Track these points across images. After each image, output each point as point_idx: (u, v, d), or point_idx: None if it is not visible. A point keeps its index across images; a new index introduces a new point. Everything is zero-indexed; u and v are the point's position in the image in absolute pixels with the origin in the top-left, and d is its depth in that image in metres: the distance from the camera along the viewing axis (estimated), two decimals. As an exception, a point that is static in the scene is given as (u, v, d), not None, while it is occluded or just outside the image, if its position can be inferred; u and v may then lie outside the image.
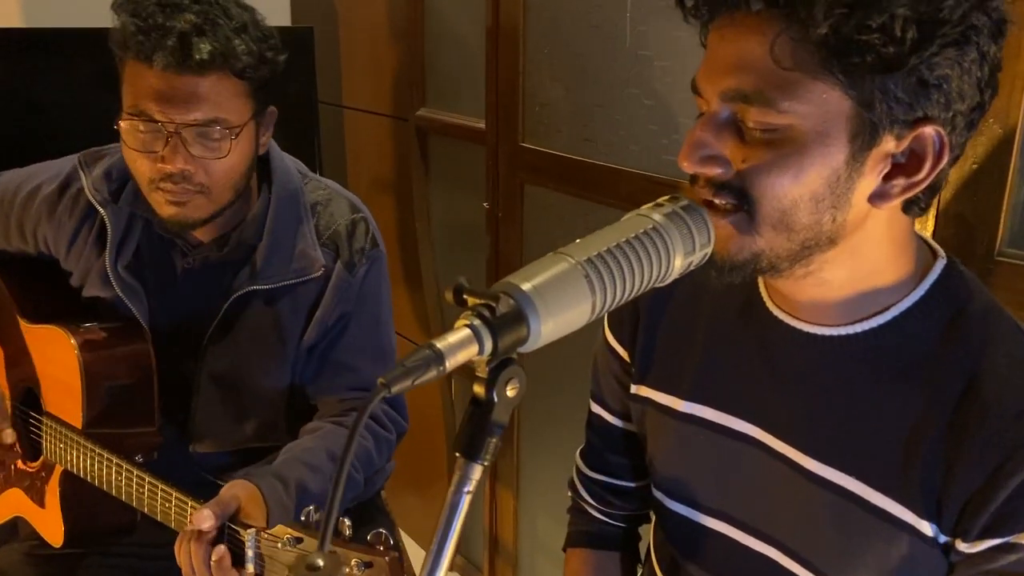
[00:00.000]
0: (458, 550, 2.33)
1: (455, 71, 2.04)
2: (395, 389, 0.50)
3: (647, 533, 1.08)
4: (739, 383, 0.86)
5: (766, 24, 0.66)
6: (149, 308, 1.27)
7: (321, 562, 0.48)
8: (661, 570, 0.98)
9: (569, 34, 1.71)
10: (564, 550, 1.10)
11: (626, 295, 0.62)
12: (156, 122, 1.11)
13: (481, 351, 0.53)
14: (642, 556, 1.10)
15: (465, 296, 0.55)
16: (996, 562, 0.72)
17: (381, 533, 0.84)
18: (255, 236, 1.25)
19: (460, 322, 0.54)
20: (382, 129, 2.29)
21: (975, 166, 1.11)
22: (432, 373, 0.51)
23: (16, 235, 1.35)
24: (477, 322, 0.54)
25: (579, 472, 1.08)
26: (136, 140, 1.13)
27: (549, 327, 0.56)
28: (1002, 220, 1.10)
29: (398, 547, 1.40)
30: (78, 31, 1.88)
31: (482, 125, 1.93)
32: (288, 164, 1.31)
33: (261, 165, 1.29)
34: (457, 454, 0.56)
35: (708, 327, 0.89)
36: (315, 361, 1.28)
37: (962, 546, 0.74)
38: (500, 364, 0.55)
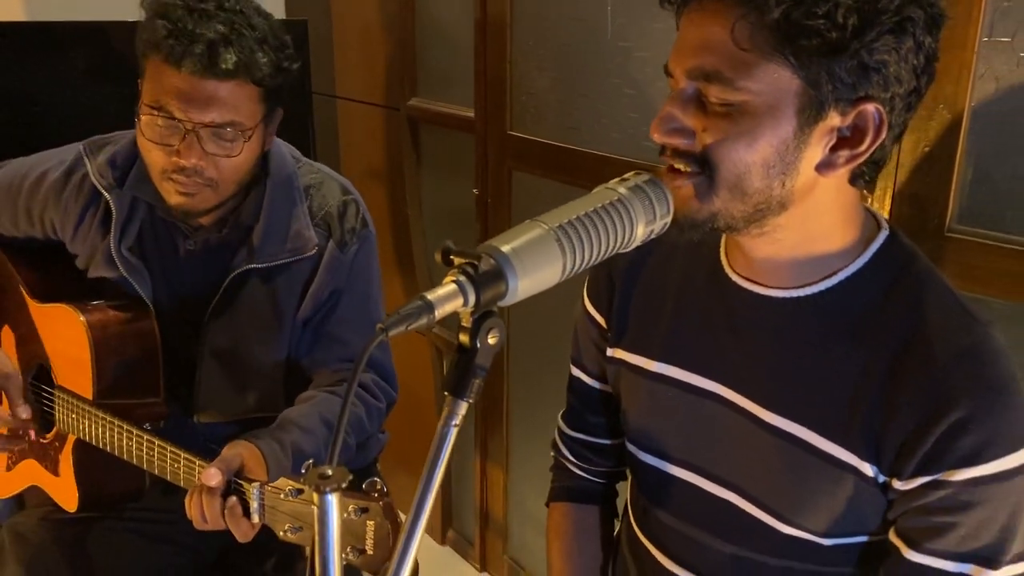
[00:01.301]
0: (447, 493, 2.42)
1: (445, 62, 2.12)
2: (392, 333, 0.58)
3: (624, 491, 1.17)
4: (704, 344, 0.94)
5: (728, 10, 0.75)
6: (152, 287, 1.35)
7: (330, 472, 0.56)
8: (635, 519, 1.07)
9: (554, 26, 1.78)
10: (547, 505, 1.18)
11: (594, 258, 0.70)
12: (175, 119, 1.19)
13: (465, 303, 0.62)
14: (619, 512, 1.19)
15: (452, 256, 0.63)
16: (927, 498, 0.81)
17: (375, 481, 0.91)
18: (252, 218, 1.32)
19: (447, 278, 0.62)
20: (374, 119, 2.36)
21: (927, 149, 1.20)
22: (423, 320, 0.59)
23: (24, 220, 1.42)
24: (462, 278, 0.62)
25: (561, 432, 1.16)
26: (154, 132, 1.21)
27: (525, 284, 0.64)
28: (952, 198, 1.19)
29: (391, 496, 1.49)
30: (77, 24, 1.94)
31: (471, 114, 2.01)
32: (283, 150, 1.39)
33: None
34: (446, 393, 0.64)
35: (676, 294, 0.98)
36: (309, 334, 1.36)
37: (898, 484, 0.83)
38: (482, 315, 0.63)
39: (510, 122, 1.92)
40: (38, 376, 1.42)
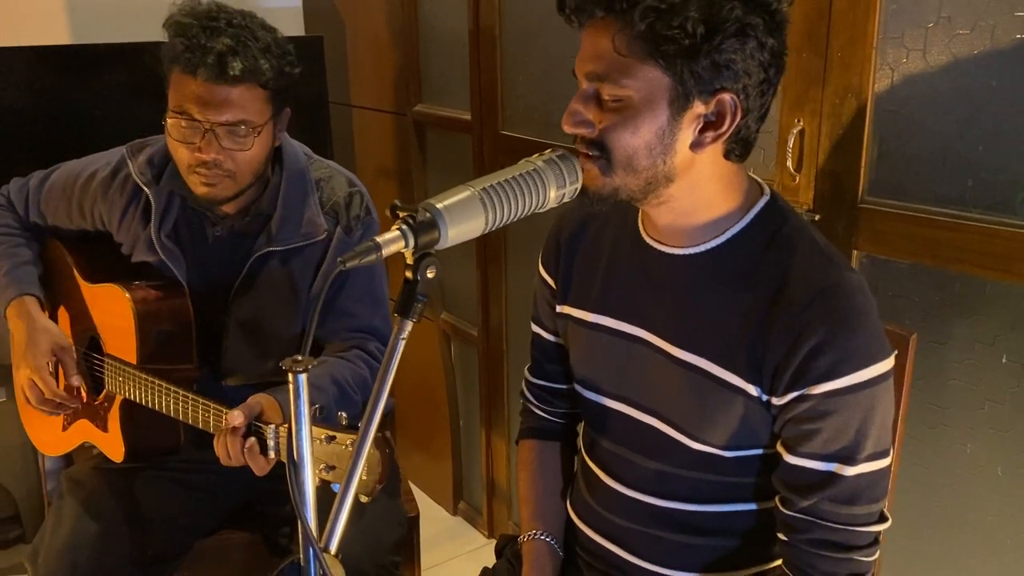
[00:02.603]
0: (457, 467, 2.60)
1: (445, 71, 2.33)
2: (348, 264, 0.79)
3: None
4: (630, 296, 1.14)
5: (609, 25, 0.95)
6: (186, 269, 1.58)
7: (300, 357, 0.77)
8: (584, 449, 1.27)
9: (537, 36, 1.99)
10: (516, 443, 1.38)
11: (514, 214, 0.90)
12: (195, 120, 1.41)
13: (407, 245, 0.82)
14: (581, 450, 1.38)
15: (397, 211, 0.84)
16: (796, 410, 1.00)
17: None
18: (270, 207, 1.54)
19: (394, 226, 0.83)
20: (385, 124, 2.57)
21: (840, 132, 1.38)
22: (373, 256, 0.80)
23: (77, 214, 1.66)
24: (404, 226, 0.83)
25: (526, 381, 1.36)
26: (179, 133, 1.43)
27: (453, 232, 0.85)
28: (862, 174, 1.37)
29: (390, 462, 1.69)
30: (117, 46, 2.20)
31: (468, 117, 2.22)
32: (296, 148, 1.61)
33: (274, 150, 1.59)
34: (396, 315, 0.85)
35: (608, 256, 1.18)
36: (321, 309, 1.58)
37: (775, 400, 1.02)
38: (421, 256, 0.84)
39: (502, 123, 2.13)
40: (91, 346, 1.65)
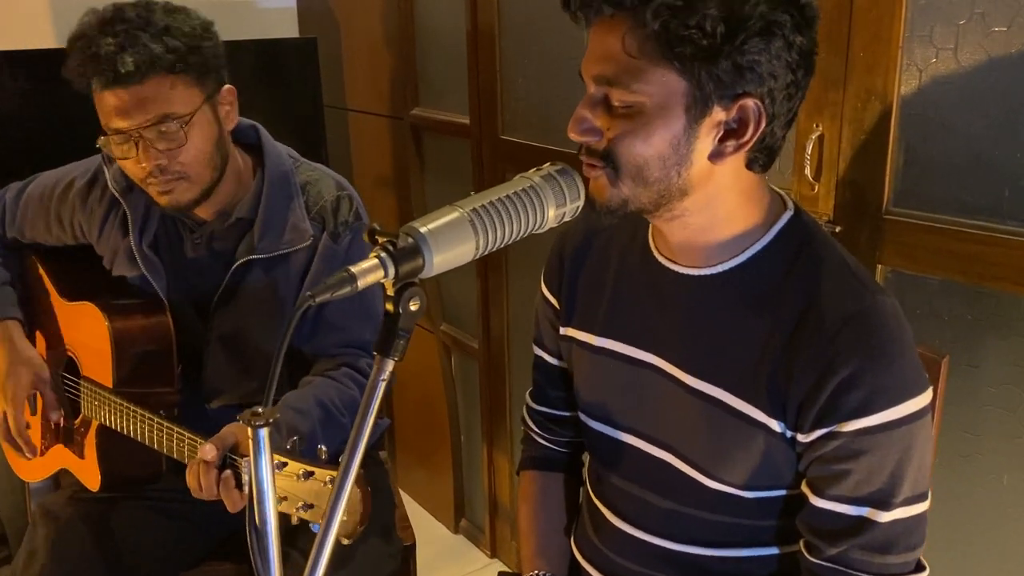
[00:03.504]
0: (458, 484, 2.51)
1: (442, 73, 2.24)
2: (318, 299, 0.70)
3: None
4: (638, 319, 1.05)
5: (619, 24, 0.85)
6: (166, 281, 1.49)
7: (261, 409, 0.68)
8: (590, 484, 1.17)
9: (538, 37, 1.90)
10: (517, 473, 1.29)
11: (507, 238, 0.81)
12: (123, 132, 1.32)
13: (386, 275, 0.73)
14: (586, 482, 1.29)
15: (376, 236, 0.75)
16: (825, 448, 0.90)
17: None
18: (252, 212, 1.45)
19: (372, 253, 0.74)
20: (381, 128, 2.49)
21: (863, 138, 1.29)
22: (347, 289, 0.71)
23: (56, 225, 1.57)
24: (383, 254, 0.73)
25: (528, 407, 1.27)
26: (117, 151, 1.35)
27: (440, 259, 0.75)
28: (887, 183, 1.28)
29: (384, 486, 1.60)
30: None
31: (467, 120, 2.13)
32: (280, 150, 1.51)
33: (255, 152, 1.49)
34: (375, 353, 0.75)
35: (615, 276, 1.08)
36: (309, 322, 1.48)
37: (801, 437, 0.92)
38: (404, 286, 0.75)
39: (502, 127, 2.04)
40: (68, 367, 1.56)
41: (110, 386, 1.44)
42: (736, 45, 0.82)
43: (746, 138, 0.88)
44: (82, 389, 1.50)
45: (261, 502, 0.70)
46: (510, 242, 0.82)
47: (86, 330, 1.50)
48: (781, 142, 0.92)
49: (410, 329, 0.75)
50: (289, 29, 2.66)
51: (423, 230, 0.76)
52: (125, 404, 1.39)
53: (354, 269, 0.71)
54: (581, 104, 0.91)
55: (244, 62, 2.24)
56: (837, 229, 1.33)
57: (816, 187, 1.35)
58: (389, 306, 0.75)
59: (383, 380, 0.75)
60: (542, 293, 1.18)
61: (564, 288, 1.13)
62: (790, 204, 0.99)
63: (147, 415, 1.36)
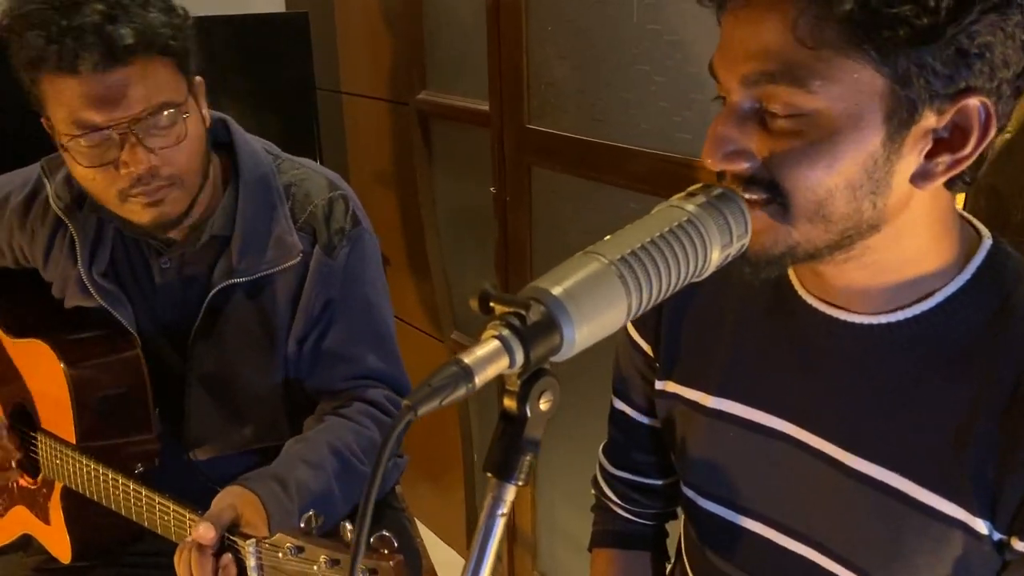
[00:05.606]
0: (472, 508, 2.32)
1: (456, 51, 1.99)
2: (422, 411, 0.45)
3: (674, 529, 1.05)
4: (770, 377, 0.82)
5: (785, 3, 0.61)
6: (133, 313, 1.23)
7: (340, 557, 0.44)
8: (692, 570, 0.95)
9: (574, 9, 1.65)
10: (589, 550, 1.06)
11: (663, 293, 0.57)
12: (102, 129, 1.04)
13: (512, 364, 0.49)
14: (671, 554, 1.06)
15: (492, 304, 0.50)
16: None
17: (384, 536, 0.80)
18: (227, 227, 1.19)
19: (488, 332, 0.49)
20: (382, 114, 2.25)
21: (1008, 135, 1.06)
22: (461, 391, 0.47)
23: None
24: (506, 332, 0.49)
25: (603, 470, 1.04)
26: (87, 157, 1.06)
27: (584, 333, 0.52)
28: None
29: (410, 545, 1.37)
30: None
31: (486, 107, 1.88)
32: (255, 146, 1.25)
33: (226, 151, 1.23)
34: (488, 475, 0.52)
35: (736, 318, 0.85)
36: (308, 354, 1.23)
37: (1019, 544, 0.70)
38: (532, 376, 0.51)
39: (528, 115, 1.79)
40: (22, 418, 1.30)
41: (72, 440, 1.18)
42: (965, 24, 0.59)
43: (966, 151, 0.65)
44: (40, 445, 1.24)
45: None
46: (662, 300, 0.58)
47: (40, 374, 1.24)
48: (989, 152, 0.69)
49: (539, 439, 0.51)
50: (275, 3, 2.43)
51: (557, 292, 0.51)
52: (91, 464, 1.14)
53: (468, 360, 0.47)
54: (720, 118, 0.67)
55: (224, 40, 1.98)
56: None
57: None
58: (510, 403, 0.51)
59: (502, 515, 0.51)
60: (628, 336, 0.95)
61: (663, 334, 0.90)
62: (985, 233, 0.76)
63: (119, 478, 1.11)
